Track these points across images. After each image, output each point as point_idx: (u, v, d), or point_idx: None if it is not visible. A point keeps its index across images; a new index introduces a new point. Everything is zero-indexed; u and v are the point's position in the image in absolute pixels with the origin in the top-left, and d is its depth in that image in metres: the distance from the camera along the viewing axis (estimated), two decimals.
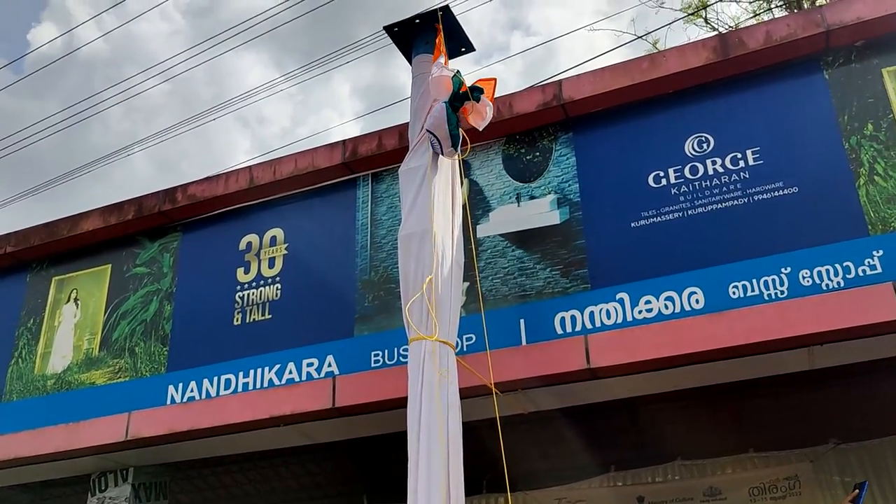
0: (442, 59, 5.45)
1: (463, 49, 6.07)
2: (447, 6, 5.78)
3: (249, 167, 7.03)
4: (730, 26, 18.26)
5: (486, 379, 4.81)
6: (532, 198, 6.02)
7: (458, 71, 5.28)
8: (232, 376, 6.31)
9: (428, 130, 5.07)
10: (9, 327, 7.64)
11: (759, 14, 15.89)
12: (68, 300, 7.49)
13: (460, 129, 5.10)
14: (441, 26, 5.70)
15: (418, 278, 4.69)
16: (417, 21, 5.90)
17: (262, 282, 6.66)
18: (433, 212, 4.81)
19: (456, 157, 5.19)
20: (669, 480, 7.40)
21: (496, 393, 4.72)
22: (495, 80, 5.28)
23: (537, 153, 6.17)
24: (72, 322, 7.35)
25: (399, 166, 6.28)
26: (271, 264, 6.70)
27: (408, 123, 6.31)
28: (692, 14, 18.16)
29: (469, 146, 5.42)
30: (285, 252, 6.70)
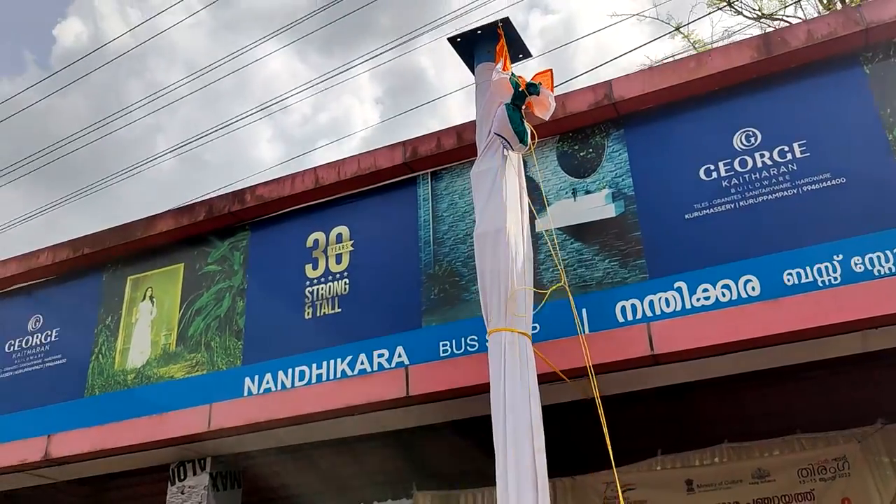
0: (500, 65, 5.76)
1: (521, 56, 6.38)
2: (507, 18, 6.08)
3: (314, 168, 7.33)
4: (753, 9, 18.44)
5: (560, 366, 5.11)
6: (587, 192, 6.28)
7: (512, 73, 5.59)
8: (306, 368, 6.60)
9: (496, 133, 5.40)
10: (88, 325, 7.96)
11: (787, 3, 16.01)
12: (144, 298, 7.80)
13: (527, 124, 5.40)
14: (502, 32, 6.02)
15: (495, 273, 4.96)
16: (479, 32, 6.23)
17: (330, 277, 6.95)
18: (506, 211, 5.12)
19: (527, 150, 5.49)
20: (717, 463, 7.42)
21: (587, 379, 4.97)
22: (551, 71, 5.56)
23: (590, 150, 6.42)
24: (148, 319, 7.66)
25: (456, 164, 6.68)
26: (338, 260, 6.99)
27: (465, 124, 6.69)
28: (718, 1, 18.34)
29: (537, 139, 5.69)
30: (351, 248, 6.99)
